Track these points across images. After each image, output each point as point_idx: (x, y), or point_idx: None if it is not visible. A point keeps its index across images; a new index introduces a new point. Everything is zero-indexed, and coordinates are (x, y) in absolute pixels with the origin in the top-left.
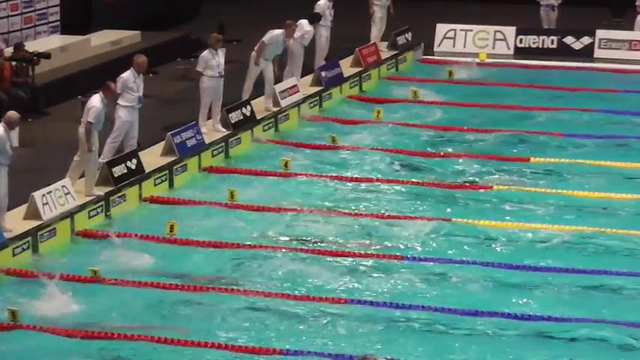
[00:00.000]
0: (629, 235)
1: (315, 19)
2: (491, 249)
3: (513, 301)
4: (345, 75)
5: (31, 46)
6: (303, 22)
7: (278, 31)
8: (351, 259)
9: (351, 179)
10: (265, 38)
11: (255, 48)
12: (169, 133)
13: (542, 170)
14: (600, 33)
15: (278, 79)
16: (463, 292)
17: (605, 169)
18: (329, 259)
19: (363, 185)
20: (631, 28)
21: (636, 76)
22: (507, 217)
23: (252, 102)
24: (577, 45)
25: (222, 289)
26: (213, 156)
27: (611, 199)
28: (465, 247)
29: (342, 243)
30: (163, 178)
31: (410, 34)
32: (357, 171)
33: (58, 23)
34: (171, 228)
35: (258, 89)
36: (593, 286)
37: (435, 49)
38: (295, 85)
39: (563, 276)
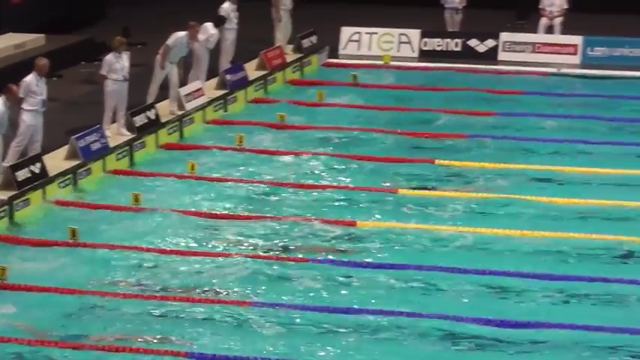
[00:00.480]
0: (534, 237)
1: (219, 22)
2: (395, 251)
3: (416, 300)
4: (251, 78)
5: None
6: (208, 25)
7: (181, 34)
8: (258, 260)
9: (259, 182)
10: (169, 41)
11: (160, 51)
12: (73, 137)
13: (447, 173)
14: (504, 36)
15: (183, 82)
16: (368, 293)
17: (509, 172)
18: (237, 260)
19: (268, 188)
20: (535, 30)
21: (540, 79)
22: (413, 220)
23: (157, 105)
24: (481, 48)
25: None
26: (117, 160)
27: (513, 201)
28: (372, 250)
29: (253, 244)
30: (67, 182)
31: (315, 37)
32: (263, 175)
33: None
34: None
35: (164, 93)
36: (494, 287)
37: (340, 52)
38: (200, 89)
39: (465, 277)
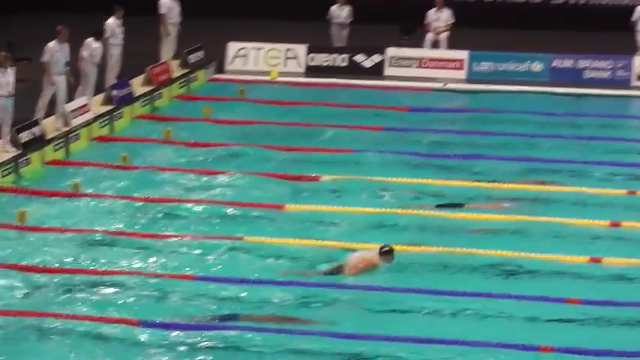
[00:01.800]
0: (416, 253)
1: (99, 35)
2: (275, 266)
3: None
4: (137, 94)
5: None
6: (89, 40)
7: (51, 43)
8: (140, 277)
9: (145, 199)
10: (44, 58)
11: (44, 70)
12: None
13: (332, 187)
14: (390, 51)
15: (73, 90)
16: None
17: (395, 186)
18: (116, 279)
19: (158, 205)
20: (420, 45)
21: (426, 94)
22: (300, 235)
23: (44, 121)
24: (368, 63)
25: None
26: (3, 176)
27: (398, 216)
28: (257, 265)
29: (134, 261)
30: None
31: (202, 52)
32: (150, 191)
33: None
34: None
35: (51, 108)
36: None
37: (227, 67)
38: (86, 105)
39: (348, 292)
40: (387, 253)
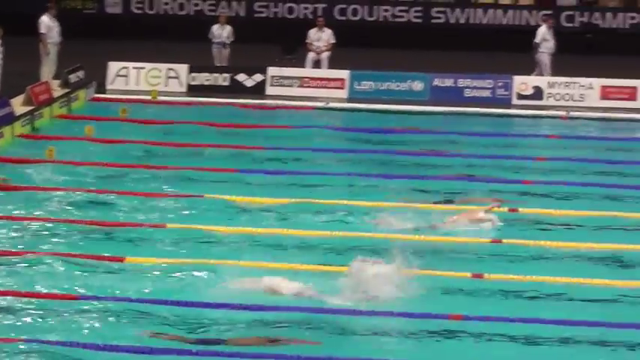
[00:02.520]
0: (325, 271)
1: None
2: (164, 286)
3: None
4: (17, 114)
5: None
6: None
7: (44, 17)
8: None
9: (24, 219)
10: (41, 29)
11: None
12: None
13: (219, 207)
14: (272, 70)
15: None
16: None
17: (279, 206)
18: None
19: (36, 225)
20: (302, 65)
21: (307, 113)
22: (183, 252)
23: None
24: (249, 82)
25: None
26: None
27: (280, 235)
28: (139, 285)
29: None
30: None
31: (82, 72)
32: (30, 211)
33: None
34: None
35: None
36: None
37: (108, 87)
38: None
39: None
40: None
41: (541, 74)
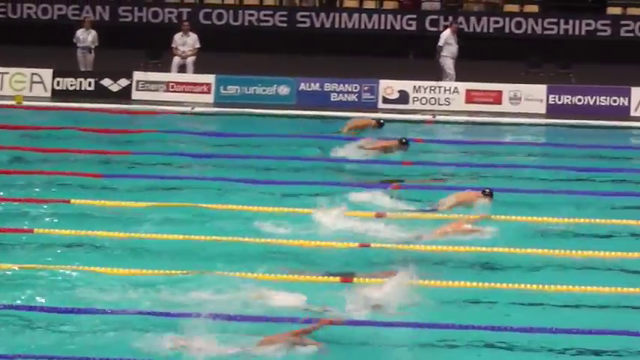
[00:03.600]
0: (233, 277)
1: None
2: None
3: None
4: None
5: None
6: None
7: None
8: None
9: None
10: None
11: None
12: None
13: (83, 212)
14: (137, 75)
15: None
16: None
17: (146, 210)
18: None
19: None
20: (168, 69)
21: (173, 117)
22: (49, 259)
23: None
24: (115, 87)
25: None
26: None
27: (145, 239)
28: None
29: None
30: None
31: None
32: None
33: None
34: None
35: None
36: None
37: None
38: None
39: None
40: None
41: (446, 78)
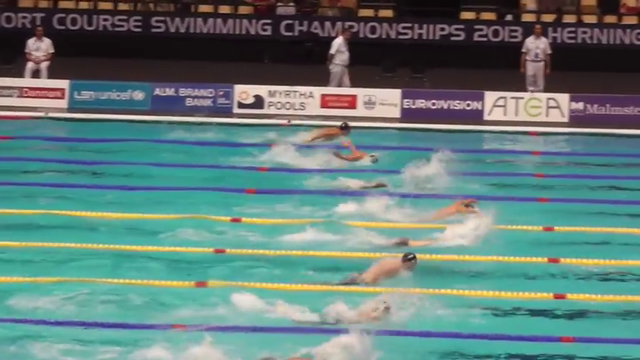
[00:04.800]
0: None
1: None
2: None
3: None
4: None
5: None
6: None
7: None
8: None
9: None
10: None
11: None
12: None
13: None
14: None
15: None
16: None
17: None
18: None
19: None
20: (21, 75)
21: (26, 123)
22: None
23: None
24: None
25: None
26: None
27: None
28: None
29: None
30: None
31: None
32: None
33: None
34: None
35: None
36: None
37: None
38: None
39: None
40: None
41: (337, 85)
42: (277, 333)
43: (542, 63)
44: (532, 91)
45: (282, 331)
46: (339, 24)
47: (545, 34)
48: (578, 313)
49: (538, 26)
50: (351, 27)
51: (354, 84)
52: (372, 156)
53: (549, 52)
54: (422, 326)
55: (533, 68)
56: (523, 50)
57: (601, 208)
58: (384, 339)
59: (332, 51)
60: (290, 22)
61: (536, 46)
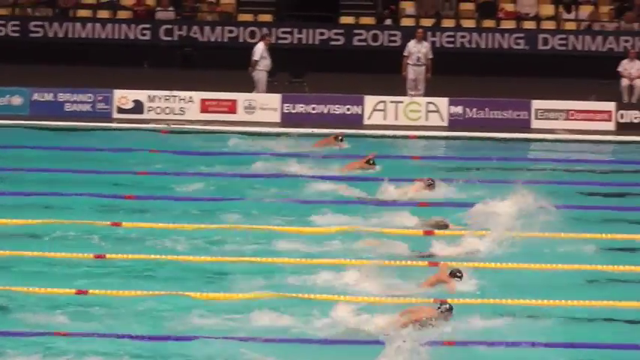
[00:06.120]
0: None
1: None
2: None
3: None
4: None
5: None
6: None
7: None
8: None
9: None
10: None
11: None
12: None
13: None
14: None
15: None
16: None
17: None
18: None
19: None
20: None
21: None
22: None
23: None
24: None
25: None
26: None
27: None
28: None
29: None
30: None
31: None
32: None
33: None
34: None
35: None
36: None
37: None
38: None
39: None
40: (447, 310)
41: (263, 91)
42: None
43: (423, 67)
44: (412, 95)
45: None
46: (262, 30)
47: (424, 38)
48: None
49: (420, 30)
50: (268, 34)
51: (233, 89)
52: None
53: (431, 56)
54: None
55: (415, 72)
56: (405, 54)
57: None
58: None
59: (255, 57)
60: (169, 26)
61: (418, 50)
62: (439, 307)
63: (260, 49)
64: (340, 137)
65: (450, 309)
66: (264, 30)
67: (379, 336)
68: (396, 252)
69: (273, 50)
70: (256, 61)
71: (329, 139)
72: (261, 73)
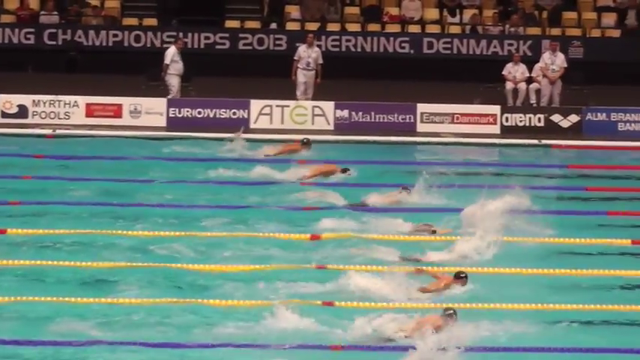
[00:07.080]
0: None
1: None
2: None
3: None
4: None
5: None
6: None
7: None
8: None
9: None
10: None
11: None
12: None
13: None
14: None
15: None
16: None
17: None
18: None
19: None
20: None
21: None
22: None
23: None
24: None
25: None
26: None
27: None
28: None
29: None
30: None
31: None
32: None
33: None
34: None
35: None
36: None
37: None
38: None
39: None
40: (450, 315)
41: (170, 95)
42: None
43: (313, 72)
44: (300, 100)
45: None
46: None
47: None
48: None
49: (311, 35)
50: (183, 38)
51: (119, 93)
52: (346, 170)
53: (321, 61)
54: None
55: (305, 77)
56: (295, 58)
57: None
58: None
59: (167, 61)
60: (53, 30)
61: (309, 55)
62: (445, 312)
63: (171, 53)
64: (305, 140)
65: (454, 313)
66: (179, 34)
67: (385, 343)
68: (386, 258)
69: (158, 54)
70: (167, 65)
71: (294, 144)
72: (173, 77)
